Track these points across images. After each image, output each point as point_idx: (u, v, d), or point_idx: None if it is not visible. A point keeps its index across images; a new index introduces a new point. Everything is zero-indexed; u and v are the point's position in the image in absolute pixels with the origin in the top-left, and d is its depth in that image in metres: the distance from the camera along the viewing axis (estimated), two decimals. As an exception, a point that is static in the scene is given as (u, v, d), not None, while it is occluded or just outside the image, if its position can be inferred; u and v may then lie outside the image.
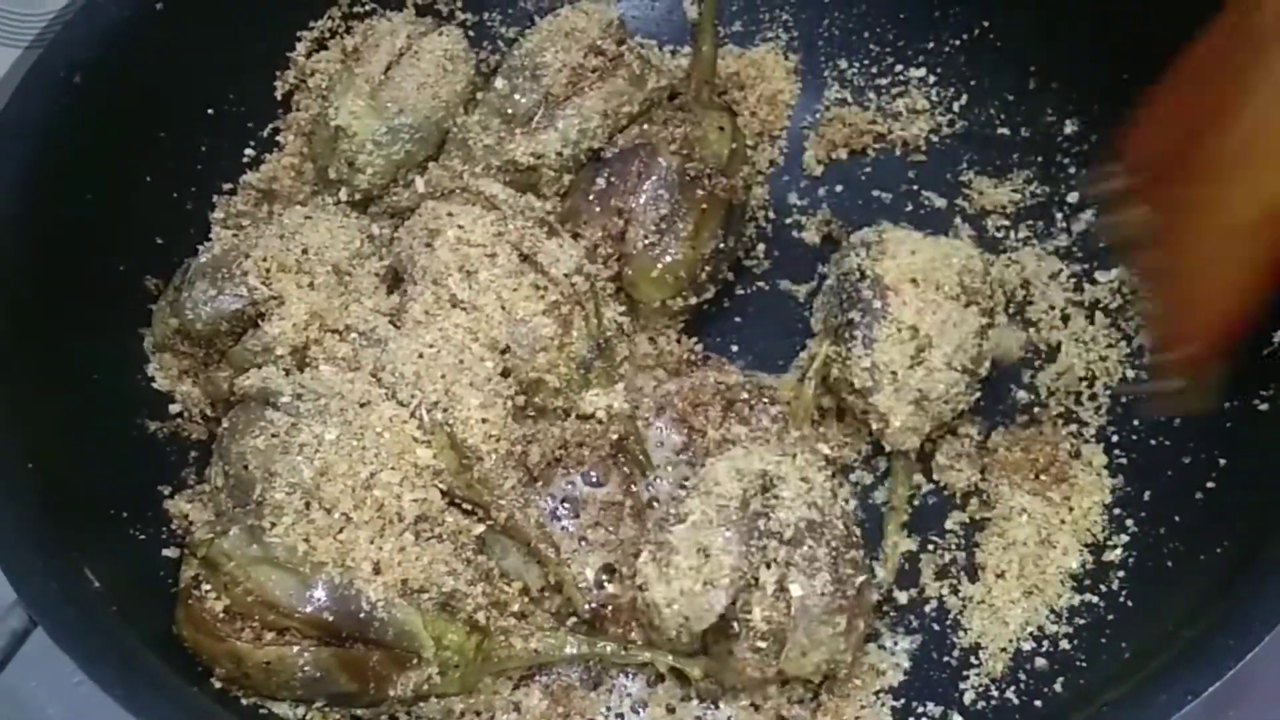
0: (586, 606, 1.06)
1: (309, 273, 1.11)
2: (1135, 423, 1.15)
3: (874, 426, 1.12)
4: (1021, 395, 1.19)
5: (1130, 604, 1.06)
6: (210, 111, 1.26)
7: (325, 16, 1.31)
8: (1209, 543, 1.03)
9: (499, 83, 1.22)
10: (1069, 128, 1.29)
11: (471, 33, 1.34)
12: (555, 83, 1.20)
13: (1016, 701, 1.04)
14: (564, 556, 1.07)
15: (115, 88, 1.16)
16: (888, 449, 1.13)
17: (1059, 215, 1.27)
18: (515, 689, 1.05)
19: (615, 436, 1.12)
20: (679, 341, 1.21)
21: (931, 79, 1.36)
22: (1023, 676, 1.05)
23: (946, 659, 1.07)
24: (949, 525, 1.14)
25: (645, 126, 1.22)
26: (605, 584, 1.09)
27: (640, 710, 1.05)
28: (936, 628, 1.09)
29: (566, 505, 1.13)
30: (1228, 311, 0.96)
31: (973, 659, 1.07)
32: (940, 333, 1.10)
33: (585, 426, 1.12)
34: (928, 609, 1.10)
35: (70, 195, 1.12)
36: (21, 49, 1.38)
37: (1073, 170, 1.28)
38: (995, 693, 1.05)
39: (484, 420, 1.05)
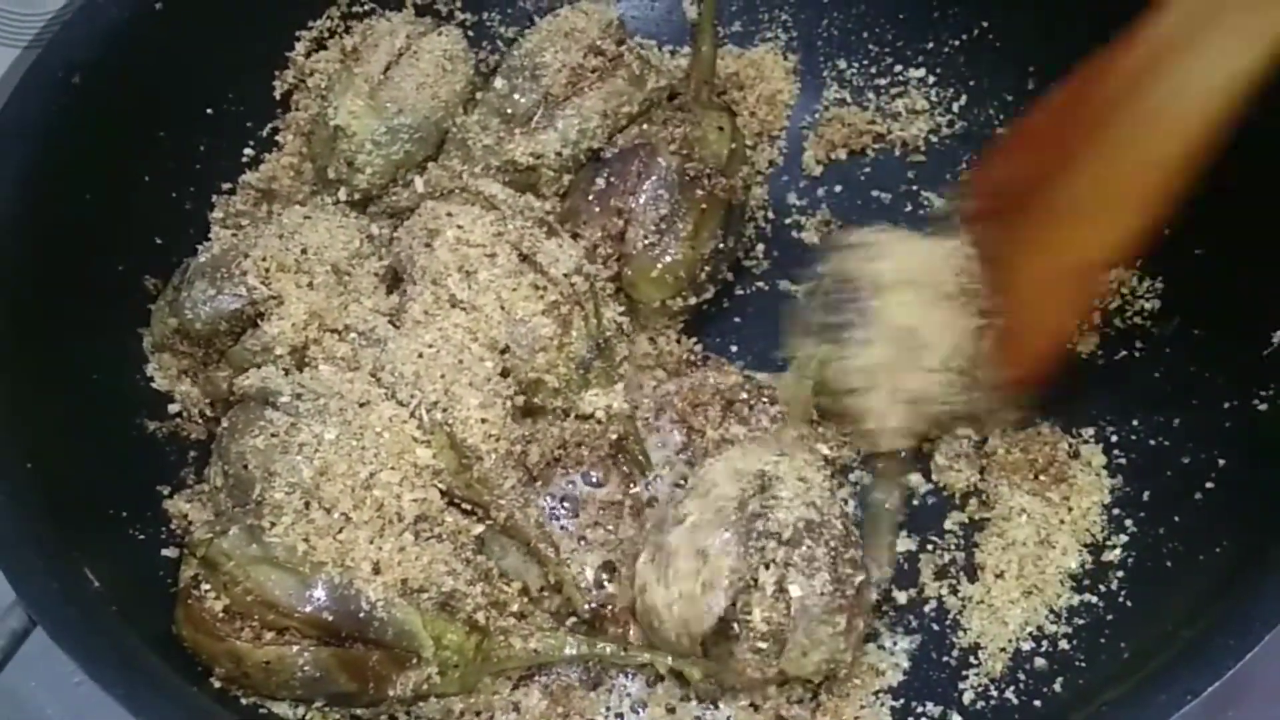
0: (586, 606, 1.06)
1: (308, 272, 1.11)
2: (1135, 423, 1.15)
3: (867, 428, 1.12)
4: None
5: (1129, 604, 1.06)
6: (209, 111, 1.26)
7: (324, 16, 1.31)
8: (1208, 543, 1.03)
9: (498, 83, 1.22)
10: (1068, 128, 1.30)
11: (471, 33, 1.35)
12: (555, 83, 1.20)
13: (1016, 701, 1.04)
14: (563, 556, 1.07)
15: (114, 88, 1.16)
16: (881, 450, 1.13)
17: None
18: (515, 689, 1.05)
19: (615, 436, 1.12)
20: (679, 341, 1.21)
21: (931, 79, 1.36)
22: (1022, 676, 1.05)
23: (946, 659, 1.07)
24: (948, 525, 1.14)
25: (645, 126, 1.22)
26: (605, 583, 1.09)
27: (640, 710, 1.05)
28: (936, 628, 1.09)
29: (566, 505, 1.13)
30: (1042, 346, 1.00)
31: (972, 659, 1.07)
32: (934, 334, 1.10)
33: (585, 426, 1.12)
34: (927, 609, 1.10)
35: (70, 195, 1.12)
36: (20, 49, 1.38)
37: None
38: (995, 693, 1.05)
39: (483, 420, 1.05)
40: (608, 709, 1.05)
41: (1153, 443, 1.13)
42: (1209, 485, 1.07)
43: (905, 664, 1.07)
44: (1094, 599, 1.08)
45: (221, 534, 0.96)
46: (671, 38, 1.39)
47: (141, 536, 1.07)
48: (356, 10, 1.32)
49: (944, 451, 1.16)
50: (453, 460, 1.05)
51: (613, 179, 1.18)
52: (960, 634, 1.08)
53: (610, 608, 1.07)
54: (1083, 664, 1.04)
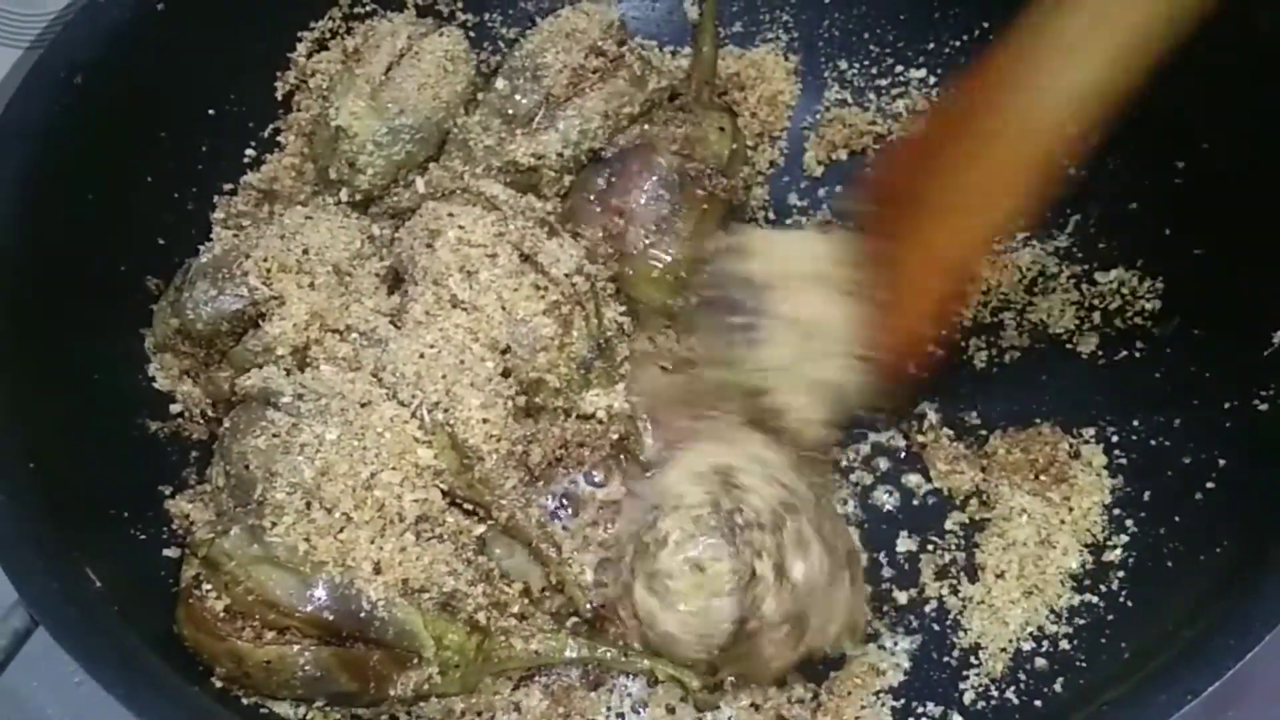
0: (588, 605, 1.06)
1: (310, 273, 1.11)
2: (1135, 423, 1.15)
3: (789, 425, 1.11)
4: (1022, 395, 1.19)
5: (1130, 604, 1.06)
6: (211, 112, 1.26)
7: (326, 17, 1.31)
8: (1208, 543, 1.03)
9: (500, 83, 1.22)
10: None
11: (472, 33, 1.35)
12: (556, 83, 1.20)
13: (1016, 701, 1.04)
14: (565, 555, 1.07)
15: (116, 88, 1.16)
16: (809, 446, 1.12)
17: (1058, 216, 1.27)
18: (515, 689, 1.05)
19: (615, 436, 1.12)
20: (679, 341, 1.21)
21: (931, 79, 1.36)
22: (1023, 676, 1.05)
23: (946, 659, 1.07)
24: (949, 525, 1.14)
25: (645, 127, 1.22)
26: (606, 583, 1.09)
27: (640, 710, 1.05)
28: (936, 628, 1.09)
29: (567, 505, 1.13)
30: (918, 331, 1.06)
31: (972, 659, 1.07)
32: (831, 324, 1.09)
33: (586, 426, 1.12)
34: (928, 609, 1.10)
35: (70, 195, 1.12)
36: (22, 49, 1.38)
37: (1072, 171, 1.28)
38: (995, 693, 1.05)
39: (485, 420, 1.05)
40: (608, 709, 1.05)
41: (1153, 443, 1.14)
42: (1209, 485, 1.07)
43: (906, 664, 1.07)
44: (1094, 599, 1.08)
45: (223, 534, 0.96)
46: (672, 38, 1.39)
47: (143, 536, 1.07)
48: (358, 11, 1.32)
49: (944, 452, 1.16)
50: (454, 460, 1.05)
51: (613, 179, 1.18)
52: (961, 634, 1.08)
53: (612, 607, 1.07)
54: (1083, 664, 1.04)
